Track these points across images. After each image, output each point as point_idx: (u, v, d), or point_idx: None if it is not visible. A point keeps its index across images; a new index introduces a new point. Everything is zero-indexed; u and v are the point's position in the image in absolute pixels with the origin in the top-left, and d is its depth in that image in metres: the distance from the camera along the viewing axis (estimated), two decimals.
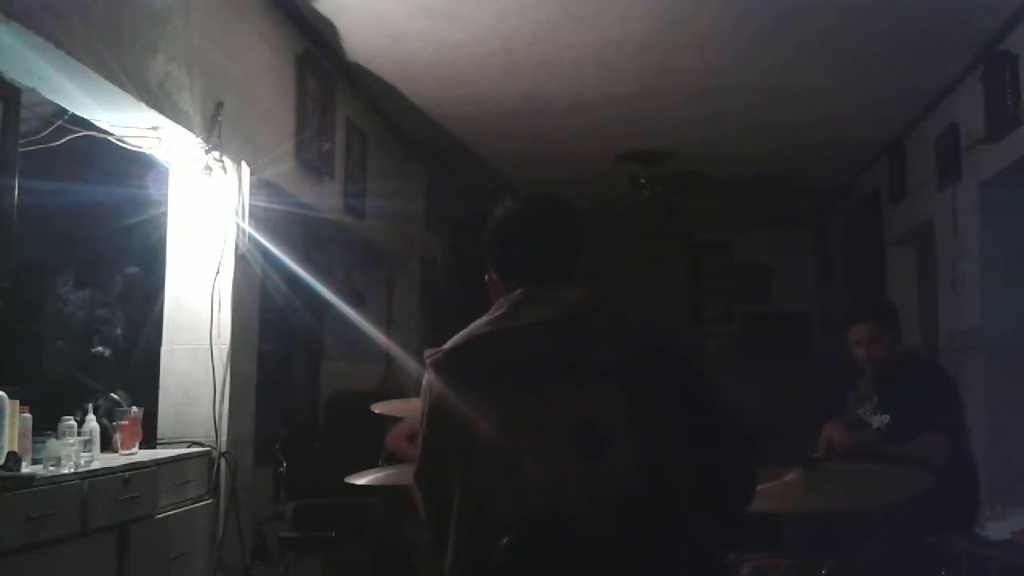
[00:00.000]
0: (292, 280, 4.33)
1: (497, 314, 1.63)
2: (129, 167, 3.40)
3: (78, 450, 2.63)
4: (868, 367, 3.52)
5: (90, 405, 3.01)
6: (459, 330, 1.67)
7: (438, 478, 1.62)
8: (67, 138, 3.00)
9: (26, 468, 2.45)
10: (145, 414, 3.22)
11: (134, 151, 3.25)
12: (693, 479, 1.51)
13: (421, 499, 1.72)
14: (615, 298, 1.60)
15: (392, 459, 4.45)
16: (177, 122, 3.12)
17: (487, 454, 1.54)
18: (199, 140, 3.29)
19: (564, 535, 1.47)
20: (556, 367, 1.52)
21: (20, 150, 2.73)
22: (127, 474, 2.75)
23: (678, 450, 1.50)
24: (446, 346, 1.64)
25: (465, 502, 1.57)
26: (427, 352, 1.65)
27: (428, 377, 1.65)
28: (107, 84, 2.71)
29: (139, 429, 3.15)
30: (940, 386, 3.46)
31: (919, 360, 3.75)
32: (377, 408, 3.25)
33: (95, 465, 2.71)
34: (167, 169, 3.51)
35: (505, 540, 1.47)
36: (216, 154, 3.37)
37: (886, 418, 3.43)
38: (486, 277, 1.75)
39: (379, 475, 3.15)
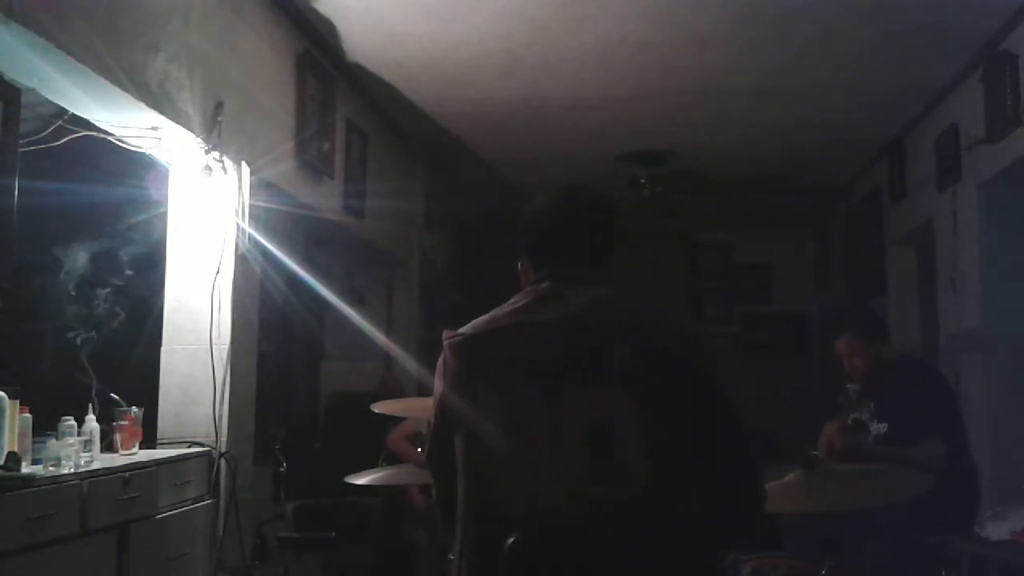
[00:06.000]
0: (292, 280, 4.33)
1: (519, 305, 1.62)
2: (129, 167, 3.40)
3: (78, 450, 2.63)
4: (856, 377, 3.54)
5: (90, 405, 3.01)
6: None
7: (448, 459, 1.62)
8: (67, 138, 3.00)
9: (26, 468, 2.45)
10: (145, 414, 3.22)
11: (134, 151, 3.25)
12: (704, 487, 1.50)
13: (432, 477, 1.74)
14: (637, 298, 1.59)
15: (392, 459, 4.46)
16: (177, 122, 3.12)
17: (495, 448, 1.54)
18: (199, 140, 3.29)
19: (570, 536, 1.46)
20: (572, 366, 1.51)
21: (20, 150, 2.73)
22: (127, 474, 2.75)
23: (690, 456, 1.49)
24: (466, 330, 1.63)
25: (471, 493, 1.57)
26: (446, 333, 1.65)
27: (444, 358, 1.65)
28: (107, 84, 2.71)
29: (139, 429, 3.15)
30: (933, 388, 3.46)
31: (911, 363, 3.74)
32: (377, 408, 3.25)
33: (95, 465, 2.71)
34: (167, 169, 3.51)
35: (511, 539, 1.47)
36: (216, 154, 3.37)
37: (884, 427, 3.44)
38: (519, 264, 1.73)
39: (379, 475, 3.15)
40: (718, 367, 1.57)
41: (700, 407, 1.52)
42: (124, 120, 3.05)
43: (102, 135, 3.09)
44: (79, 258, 3.39)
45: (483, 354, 1.60)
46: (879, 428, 3.45)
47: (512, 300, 1.65)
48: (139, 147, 3.24)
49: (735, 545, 2.62)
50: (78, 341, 3.27)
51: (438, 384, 1.66)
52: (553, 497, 1.48)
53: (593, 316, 1.55)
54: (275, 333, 4.53)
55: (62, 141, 2.99)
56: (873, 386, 3.53)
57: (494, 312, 1.64)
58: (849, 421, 3.56)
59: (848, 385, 3.62)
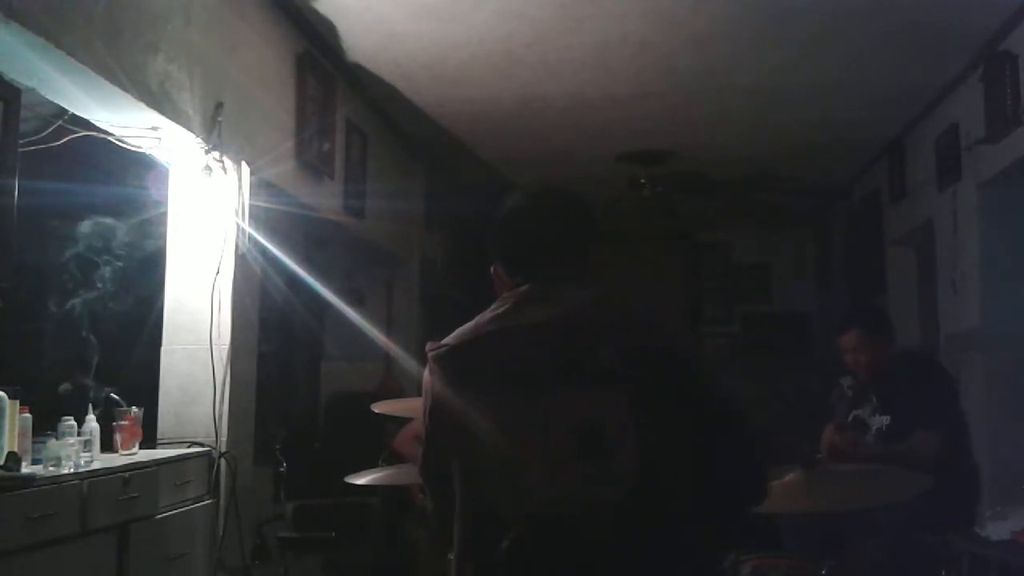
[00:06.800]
0: (292, 280, 4.33)
1: (501, 310, 1.61)
2: (129, 167, 3.40)
3: (78, 450, 2.63)
4: (858, 373, 3.55)
5: (90, 405, 3.01)
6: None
7: (442, 472, 1.61)
8: (67, 138, 3.00)
9: (26, 468, 2.45)
10: (145, 414, 3.22)
11: (134, 151, 3.25)
12: (698, 482, 1.50)
13: (427, 491, 1.73)
14: (621, 298, 1.58)
15: (393, 458, 4.45)
16: (177, 122, 3.12)
17: (489, 453, 1.53)
18: (199, 140, 3.29)
19: (565, 537, 1.46)
20: (559, 368, 1.50)
21: (20, 150, 2.72)
22: (127, 474, 2.75)
23: (681, 454, 1.49)
24: (449, 340, 1.62)
25: (467, 499, 1.57)
26: (429, 345, 1.64)
27: (430, 370, 1.63)
28: (107, 84, 2.71)
29: (139, 429, 3.15)
30: (936, 382, 3.48)
31: (914, 357, 3.76)
32: (377, 408, 3.25)
33: (95, 465, 2.71)
34: (167, 169, 3.52)
35: (506, 541, 1.47)
36: (216, 154, 3.37)
37: (886, 419, 3.45)
38: (491, 270, 1.73)
39: (379, 475, 3.14)
40: (705, 363, 1.57)
41: (687, 404, 1.51)
42: (124, 120, 3.05)
43: (102, 135, 3.09)
44: (79, 258, 3.39)
45: (469, 363, 1.58)
46: (881, 421, 3.46)
47: (493, 306, 1.63)
48: (139, 147, 3.24)
49: (732, 542, 2.62)
50: (78, 341, 3.27)
51: (426, 396, 1.65)
52: (547, 499, 1.47)
53: (577, 317, 1.54)
54: (275, 333, 4.53)
55: (62, 141, 2.99)
56: (876, 381, 3.53)
57: (477, 319, 1.62)
58: (849, 419, 3.57)
59: (841, 380, 3.63)
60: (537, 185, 1.77)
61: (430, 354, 1.63)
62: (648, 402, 1.47)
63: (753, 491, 1.57)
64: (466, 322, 1.65)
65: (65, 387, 2.99)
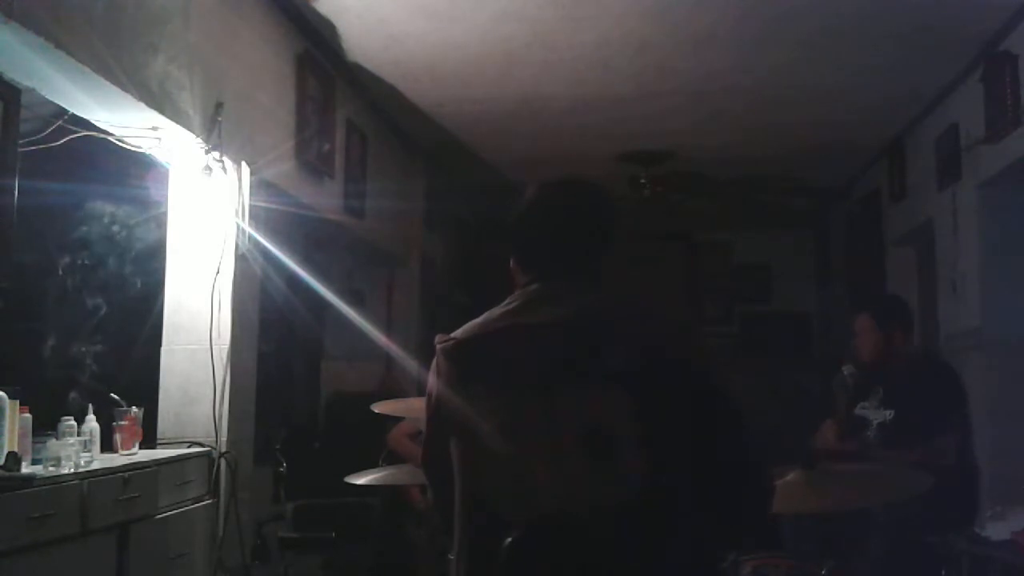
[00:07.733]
0: (292, 280, 4.33)
1: (511, 307, 1.60)
2: (129, 167, 3.40)
3: (78, 450, 2.63)
4: (863, 357, 3.54)
5: (90, 405, 3.01)
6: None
7: (444, 464, 1.61)
8: (67, 138, 3.00)
9: (26, 468, 2.45)
10: (145, 414, 3.22)
11: (134, 151, 3.25)
12: (704, 490, 1.49)
13: (428, 484, 1.73)
14: (633, 298, 1.56)
15: (393, 458, 4.46)
16: (177, 122, 3.12)
17: (492, 452, 1.52)
18: (199, 140, 3.29)
19: (568, 538, 1.45)
20: (567, 369, 1.49)
21: (20, 150, 2.72)
22: (127, 474, 2.75)
23: (689, 457, 1.48)
24: (458, 334, 1.61)
25: (469, 498, 1.56)
26: (438, 337, 1.62)
27: (437, 363, 1.63)
28: (107, 84, 2.71)
29: (139, 429, 3.15)
30: (948, 386, 3.47)
31: (929, 358, 3.76)
32: (377, 408, 3.25)
33: (95, 465, 2.71)
34: (167, 169, 3.51)
35: (507, 542, 1.46)
36: (216, 154, 3.37)
37: (890, 413, 3.43)
38: (510, 262, 1.68)
39: (379, 475, 3.14)
40: (717, 365, 1.55)
41: (698, 406, 1.50)
42: (124, 120, 3.05)
43: (102, 135, 3.09)
44: (79, 258, 3.39)
45: (477, 358, 1.58)
46: (884, 415, 3.44)
47: (505, 302, 1.62)
48: (139, 147, 3.24)
49: (741, 543, 2.62)
50: (78, 341, 3.27)
51: (432, 388, 1.65)
52: (550, 499, 1.47)
53: (586, 317, 1.53)
54: (275, 333, 4.53)
55: (62, 141, 2.99)
56: (885, 372, 3.51)
57: (487, 315, 1.62)
58: (856, 411, 3.55)
59: (844, 368, 3.62)
60: (560, 177, 1.70)
61: (439, 346, 1.62)
62: (656, 403, 1.46)
63: (755, 503, 1.56)
64: (466, 322, 1.64)
65: (73, 396, 2.98)
